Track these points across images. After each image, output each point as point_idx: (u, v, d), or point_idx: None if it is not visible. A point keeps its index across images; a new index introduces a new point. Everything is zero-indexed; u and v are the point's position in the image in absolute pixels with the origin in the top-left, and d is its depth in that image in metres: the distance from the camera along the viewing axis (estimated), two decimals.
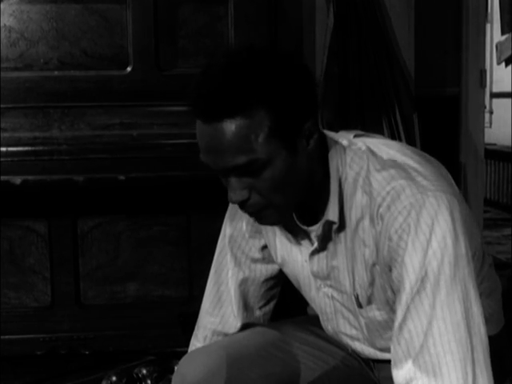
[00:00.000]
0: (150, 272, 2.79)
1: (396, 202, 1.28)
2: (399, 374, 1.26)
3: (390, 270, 1.33)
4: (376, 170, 1.33)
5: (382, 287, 1.39)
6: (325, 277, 1.48)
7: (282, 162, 1.26)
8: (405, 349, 1.25)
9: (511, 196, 6.50)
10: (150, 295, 2.80)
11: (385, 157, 1.35)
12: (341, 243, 1.42)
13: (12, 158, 2.49)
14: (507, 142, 6.61)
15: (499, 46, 6.77)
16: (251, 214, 1.36)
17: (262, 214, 1.34)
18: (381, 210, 1.30)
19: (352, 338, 1.56)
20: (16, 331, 2.73)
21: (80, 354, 2.74)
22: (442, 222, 1.25)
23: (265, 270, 1.67)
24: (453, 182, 1.36)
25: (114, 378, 2.54)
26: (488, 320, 1.30)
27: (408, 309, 1.25)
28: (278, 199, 1.30)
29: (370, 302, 1.43)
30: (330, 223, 1.39)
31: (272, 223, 1.42)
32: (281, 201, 1.31)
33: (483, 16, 4.14)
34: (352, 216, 1.37)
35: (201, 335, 1.72)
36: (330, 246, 1.44)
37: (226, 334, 1.68)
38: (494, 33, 6.86)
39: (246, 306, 1.68)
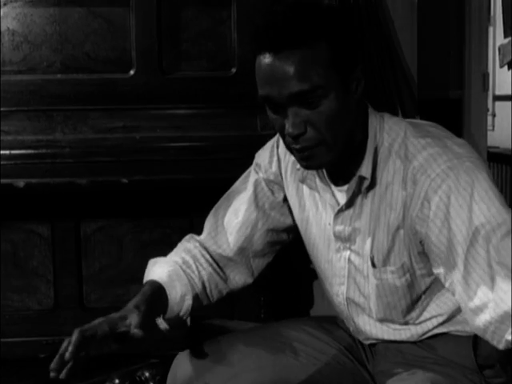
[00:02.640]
0: None
1: (433, 165, 1.38)
2: (482, 319, 1.33)
3: (416, 233, 1.41)
4: (413, 137, 1.44)
5: (401, 252, 1.46)
6: (346, 238, 1.54)
7: (336, 96, 1.38)
8: (481, 295, 1.32)
9: None
10: None
11: (422, 127, 1.47)
12: (367, 205, 1.49)
13: (15, 160, 2.50)
14: (510, 145, 6.60)
15: (502, 48, 6.77)
16: (303, 151, 1.42)
17: (313, 152, 1.42)
18: (416, 172, 1.40)
19: (358, 307, 1.58)
20: (19, 334, 2.73)
21: (82, 357, 2.74)
22: (482, 179, 1.35)
23: (277, 221, 1.71)
24: (480, 156, 1.45)
25: (116, 381, 2.54)
26: None
27: (467, 261, 1.33)
28: (330, 136, 1.40)
29: (384, 264, 1.49)
30: (362, 179, 1.47)
31: (320, 164, 1.47)
32: (333, 138, 1.40)
33: (486, 19, 4.14)
34: (383, 179, 1.46)
35: (185, 242, 1.73)
36: (357, 206, 1.50)
37: (210, 254, 1.69)
38: (497, 36, 6.86)
39: (243, 245, 1.70)
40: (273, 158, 1.72)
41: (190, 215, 2.76)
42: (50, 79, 2.62)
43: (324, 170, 1.56)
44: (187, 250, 1.73)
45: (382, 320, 1.57)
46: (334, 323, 1.74)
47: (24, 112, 2.58)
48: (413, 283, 1.49)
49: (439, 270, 1.41)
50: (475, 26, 4.01)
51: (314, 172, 1.56)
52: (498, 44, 6.83)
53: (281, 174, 1.70)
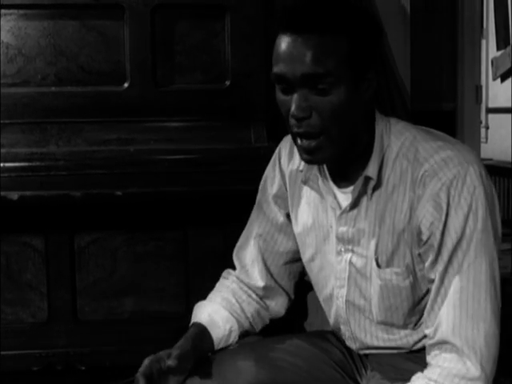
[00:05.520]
0: (146, 287, 2.78)
1: (444, 169, 1.42)
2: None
3: (419, 233, 1.45)
4: (424, 140, 1.49)
5: (404, 254, 1.48)
6: (349, 240, 1.55)
7: (346, 90, 1.41)
8: (439, 305, 1.41)
9: (508, 211, 6.50)
10: (146, 310, 2.80)
11: (432, 131, 1.53)
12: (372, 206, 1.51)
13: (9, 173, 2.49)
14: (503, 157, 6.62)
15: (495, 61, 6.80)
16: (307, 137, 1.44)
17: (316, 144, 1.44)
18: (426, 175, 1.43)
19: (358, 310, 1.59)
20: (12, 347, 2.72)
21: (77, 370, 2.73)
22: (482, 194, 1.42)
23: (285, 243, 1.76)
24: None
25: None
26: None
27: (442, 271, 1.42)
28: (334, 128, 1.42)
29: (388, 265, 1.51)
30: (367, 179, 1.49)
31: (323, 158, 1.49)
32: (336, 131, 1.43)
33: (478, 32, 4.17)
34: (389, 180, 1.48)
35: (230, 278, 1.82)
36: (362, 207, 1.52)
37: (248, 287, 1.77)
38: (490, 48, 6.89)
39: (268, 273, 1.77)
40: (275, 168, 1.75)
41: (184, 228, 2.76)
42: (44, 92, 2.62)
43: (327, 172, 1.58)
44: (226, 286, 1.81)
45: (381, 323, 1.57)
46: (325, 339, 1.74)
47: (18, 125, 2.58)
48: (415, 285, 1.51)
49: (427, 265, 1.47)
50: (468, 38, 4.04)
51: (317, 174, 1.58)
52: (490, 57, 6.87)
53: (284, 183, 1.73)
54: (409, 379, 1.45)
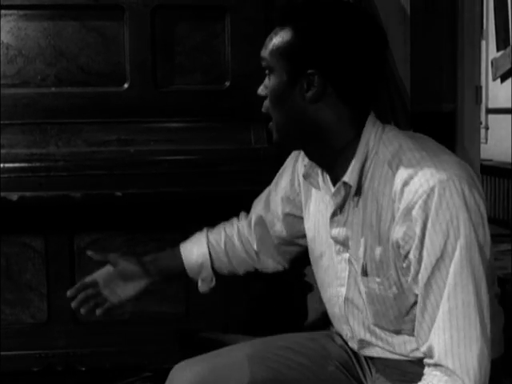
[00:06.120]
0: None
1: (422, 182, 1.37)
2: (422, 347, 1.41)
3: (398, 247, 1.42)
4: (409, 150, 1.44)
5: (389, 265, 1.46)
6: (342, 242, 1.56)
7: (279, 80, 1.48)
8: (428, 324, 1.39)
9: (507, 211, 6.50)
10: (146, 311, 2.79)
11: (420, 141, 1.48)
12: (359, 212, 1.50)
13: (9, 174, 2.49)
14: (503, 158, 6.62)
15: (495, 62, 6.81)
16: (267, 118, 1.55)
17: (270, 124, 1.55)
18: (405, 187, 1.39)
19: (356, 308, 1.59)
20: (12, 347, 2.72)
21: (76, 371, 2.73)
22: (463, 208, 1.35)
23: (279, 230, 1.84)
24: (475, 177, 1.44)
25: None
26: None
27: (425, 288, 1.38)
28: (273, 113, 1.52)
29: (373, 273, 1.50)
30: (346, 186, 1.48)
31: (276, 141, 1.57)
32: (275, 117, 1.52)
33: (478, 33, 4.17)
34: (374, 188, 1.46)
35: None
36: (349, 212, 1.52)
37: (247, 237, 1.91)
38: (490, 49, 6.89)
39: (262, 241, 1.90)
40: (292, 161, 1.81)
41: (184, 228, 2.75)
42: (44, 93, 2.62)
43: (325, 171, 1.59)
44: (231, 223, 1.99)
45: (375, 325, 1.57)
46: (330, 339, 1.74)
47: (18, 125, 2.58)
48: (400, 296, 1.48)
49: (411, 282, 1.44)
50: (468, 39, 4.04)
51: (318, 171, 1.60)
52: (490, 57, 6.87)
53: (298, 180, 1.77)
54: (413, 382, 1.44)
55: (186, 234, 2.76)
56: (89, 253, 1.93)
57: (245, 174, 2.48)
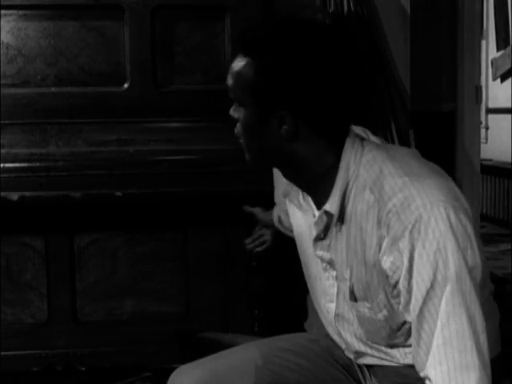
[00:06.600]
0: (146, 288, 2.78)
1: (406, 212, 1.33)
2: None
3: (387, 276, 1.38)
4: (390, 175, 1.38)
5: (377, 289, 1.44)
6: (328, 262, 1.53)
7: (249, 115, 1.42)
8: (424, 352, 1.35)
9: (507, 211, 6.50)
10: (146, 311, 2.80)
11: (401, 165, 1.40)
12: (343, 238, 1.47)
13: (9, 174, 2.49)
14: (503, 158, 6.62)
15: (494, 62, 6.81)
16: (238, 138, 1.50)
17: (241, 145, 1.50)
18: (390, 216, 1.35)
19: (347, 323, 1.58)
20: (12, 347, 2.72)
21: (76, 371, 2.73)
22: (449, 235, 1.31)
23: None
24: (460, 196, 1.39)
25: None
26: None
27: (418, 318, 1.34)
28: (245, 142, 1.47)
29: (361, 298, 1.48)
30: (328, 214, 1.45)
31: (246, 160, 1.53)
32: (245, 145, 1.48)
33: (478, 32, 4.17)
34: (358, 214, 1.42)
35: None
36: (332, 238, 1.49)
37: None
38: (490, 49, 6.90)
39: None
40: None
41: (184, 228, 2.76)
42: (44, 92, 2.62)
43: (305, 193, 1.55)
44: None
45: (369, 340, 1.56)
46: (330, 340, 1.73)
47: (18, 125, 2.58)
48: (391, 316, 1.46)
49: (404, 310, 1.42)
50: (468, 39, 4.03)
51: (298, 190, 1.55)
52: (490, 57, 6.88)
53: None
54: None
55: (186, 234, 2.78)
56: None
57: (245, 174, 2.48)
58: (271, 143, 1.43)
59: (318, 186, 1.47)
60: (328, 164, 1.44)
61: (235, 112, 1.46)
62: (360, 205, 1.41)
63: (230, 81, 1.44)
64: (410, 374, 1.54)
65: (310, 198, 1.53)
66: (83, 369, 2.73)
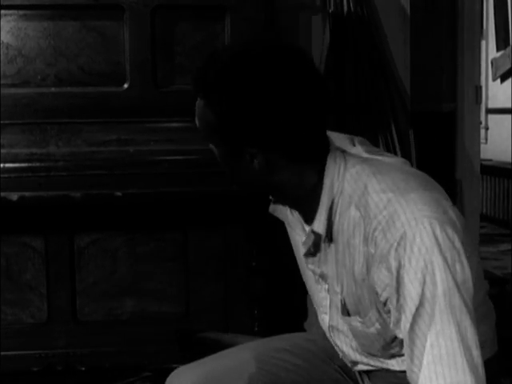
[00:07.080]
0: (146, 288, 2.79)
1: (391, 229, 1.31)
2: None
3: (376, 293, 1.37)
4: (375, 192, 1.36)
5: (368, 304, 1.43)
6: (319, 275, 1.53)
7: (221, 153, 1.44)
8: (418, 368, 1.32)
9: (507, 211, 6.51)
10: (146, 311, 2.80)
11: (385, 179, 1.38)
12: (332, 253, 1.46)
13: (9, 174, 2.49)
14: (503, 158, 6.63)
15: (494, 62, 6.81)
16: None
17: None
18: (376, 233, 1.33)
19: (342, 334, 1.58)
20: (12, 347, 2.72)
21: (76, 371, 2.73)
22: (435, 251, 1.29)
23: None
24: (448, 208, 1.36)
25: None
26: (480, 346, 1.33)
27: (409, 335, 1.32)
28: (224, 168, 1.47)
29: (353, 313, 1.47)
30: (316, 233, 1.44)
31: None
32: (228, 177, 1.48)
33: (478, 33, 4.17)
34: (344, 229, 1.41)
35: None
36: (321, 254, 1.48)
37: None
38: (489, 49, 6.90)
39: None
40: None
41: (184, 228, 2.76)
42: (43, 92, 2.62)
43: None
44: None
45: (364, 351, 1.56)
46: (327, 340, 1.74)
47: (18, 125, 2.58)
48: (384, 330, 1.45)
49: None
50: (468, 39, 4.04)
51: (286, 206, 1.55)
52: (490, 57, 6.88)
53: None
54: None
55: (186, 234, 2.78)
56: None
57: None
58: (249, 177, 1.42)
59: (303, 204, 1.46)
60: (311, 183, 1.43)
61: (212, 148, 1.46)
62: (346, 221, 1.40)
63: (196, 121, 1.44)
64: (405, 377, 1.54)
65: (298, 213, 1.53)
66: (83, 369, 2.73)
